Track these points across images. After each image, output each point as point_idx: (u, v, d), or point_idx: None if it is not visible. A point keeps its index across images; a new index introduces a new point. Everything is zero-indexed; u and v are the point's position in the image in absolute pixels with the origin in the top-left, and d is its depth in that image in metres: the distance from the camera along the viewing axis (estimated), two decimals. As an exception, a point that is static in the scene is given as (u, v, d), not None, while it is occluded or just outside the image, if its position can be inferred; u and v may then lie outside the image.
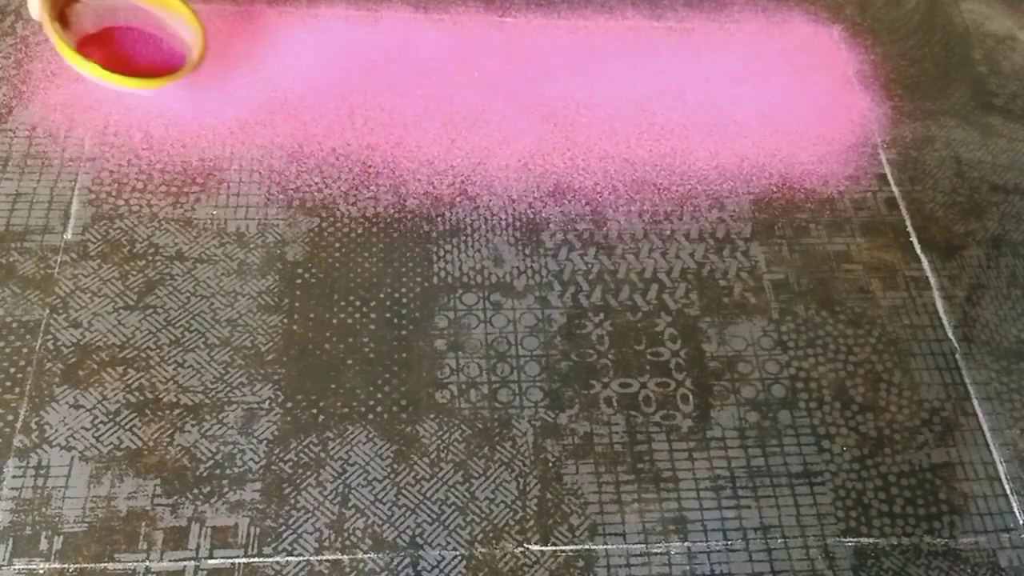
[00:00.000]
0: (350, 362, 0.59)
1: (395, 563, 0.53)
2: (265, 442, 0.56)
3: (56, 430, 0.55)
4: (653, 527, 0.56)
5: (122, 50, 0.65)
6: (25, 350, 0.57)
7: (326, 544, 0.53)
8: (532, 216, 0.67)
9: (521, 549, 0.54)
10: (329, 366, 0.59)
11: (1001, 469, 0.60)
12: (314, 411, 0.57)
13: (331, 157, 0.68)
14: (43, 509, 0.53)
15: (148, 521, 0.53)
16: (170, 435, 0.56)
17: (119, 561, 0.51)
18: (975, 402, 0.63)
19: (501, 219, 0.67)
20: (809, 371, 0.63)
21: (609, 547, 0.55)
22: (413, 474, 0.56)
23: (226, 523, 0.53)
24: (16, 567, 0.51)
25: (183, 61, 0.65)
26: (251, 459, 0.55)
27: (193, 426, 0.56)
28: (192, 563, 0.52)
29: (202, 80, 0.70)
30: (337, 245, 0.64)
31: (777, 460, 0.59)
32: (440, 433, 0.58)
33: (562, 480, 0.57)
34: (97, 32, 0.66)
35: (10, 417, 0.55)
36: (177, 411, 0.56)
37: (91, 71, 0.59)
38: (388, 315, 0.62)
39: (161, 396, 0.57)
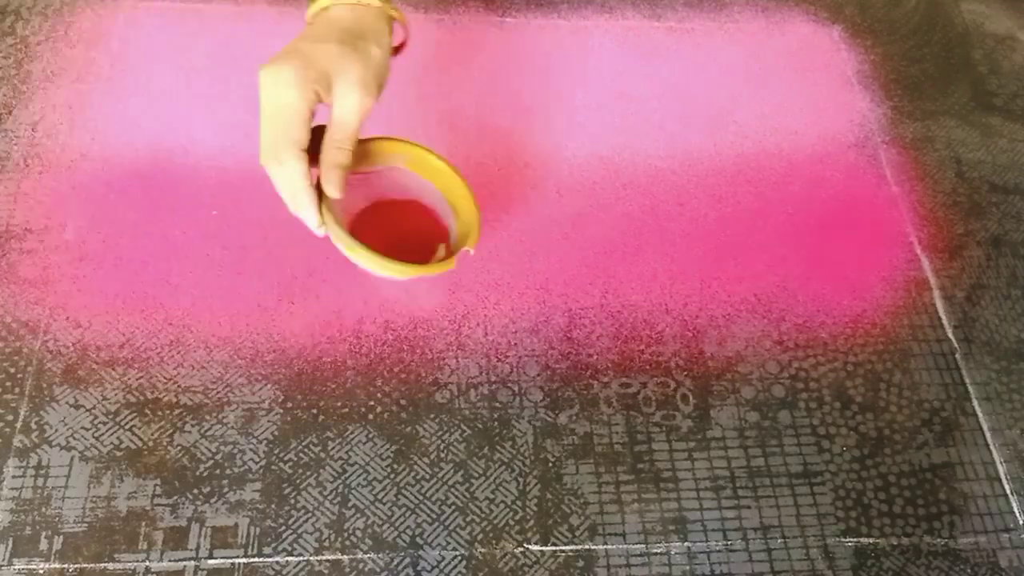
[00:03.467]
0: (350, 362, 0.59)
1: (395, 563, 0.53)
2: (265, 442, 0.56)
3: (56, 430, 0.55)
4: (653, 527, 0.56)
5: (392, 223, 0.57)
6: (25, 350, 0.57)
7: (326, 544, 0.53)
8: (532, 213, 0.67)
9: (521, 549, 0.54)
10: (329, 366, 0.59)
11: (1001, 469, 0.60)
12: (314, 411, 0.58)
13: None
14: (43, 509, 0.53)
15: (148, 521, 0.53)
16: (170, 435, 0.56)
17: (119, 561, 0.51)
18: (975, 402, 0.63)
19: (500, 219, 0.67)
20: (809, 371, 0.63)
21: (609, 547, 0.55)
22: (413, 474, 0.56)
23: (226, 523, 0.53)
24: (16, 567, 0.51)
25: (445, 234, 0.58)
26: (251, 459, 0.55)
27: (193, 426, 0.56)
28: (192, 563, 0.52)
29: (201, 81, 0.70)
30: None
31: (777, 460, 0.59)
32: (440, 433, 0.58)
33: (562, 480, 0.57)
34: (368, 206, 0.58)
35: (10, 417, 0.55)
36: (177, 411, 0.57)
37: (365, 258, 0.51)
38: (388, 315, 0.62)
39: (161, 396, 0.57)
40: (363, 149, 0.52)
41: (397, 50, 0.56)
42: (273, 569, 0.52)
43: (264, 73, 0.47)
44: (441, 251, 0.56)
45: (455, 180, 0.56)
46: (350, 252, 0.51)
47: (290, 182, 0.48)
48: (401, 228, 0.57)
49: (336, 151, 0.49)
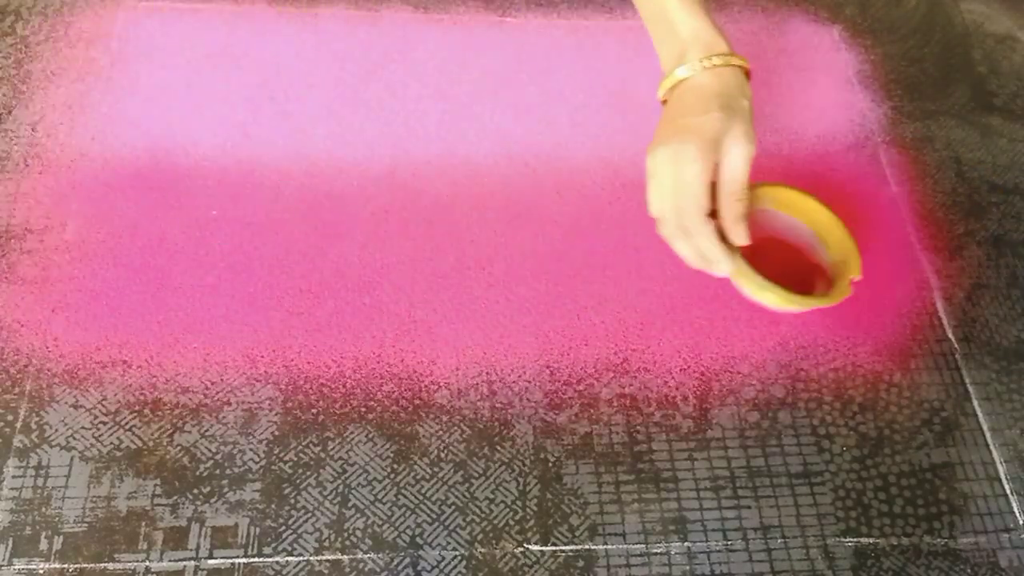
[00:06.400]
0: (350, 362, 0.59)
1: (395, 563, 0.53)
2: (265, 442, 0.56)
3: (56, 430, 0.55)
4: (653, 527, 0.56)
5: (768, 261, 0.59)
6: (25, 350, 0.57)
7: (326, 544, 0.53)
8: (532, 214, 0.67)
9: (521, 549, 0.54)
10: (329, 366, 0.59)
11: (1001, 469, 0.60)
12: (314, 411, 0.58)
13: (330, 158, 0.68)
14: (43, 509, 0.53)
15: (148, 521, 0.53)
16: (170, 435, 0.56)
17: (119, 561, 0.51)
18: (975, 402, 0.63)
19: (500, 219, 0.67)
20: (809, 371, 0.63)
21: (609, 547, 0.55)
22: (413, 474, 0.56)
23: (226, 523, 0.53)
24: (16, 567, 0.51)
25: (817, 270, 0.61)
26: (251, 459, 0.55)
27: (193, 426, 0.56)
28: (192, 563, 0.52)
29: (201, 81, 0.70)
30: (339, 241, 0.64)
31: (777, 460, 0.59)
32: (440, 433, 0.58)
33: (562, 480, 0.57)
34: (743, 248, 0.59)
35: (10, 417, 0.55)
36: (177, 411, 0.57)
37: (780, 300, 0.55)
38: (388, 315, 0.62)
39: (161, 396, 0.57)
40: None
41: None
42: (273, 569, 0.52)
43: (661, 152, 0.52)
44: (820, 284, 0.61)
45: (823, 214, 0.60)
46: (760, 291, 0.55)
47: (703, 247, 0.54)
48: (776, 264, 0.60)
49: (736, 203, 0.54)
